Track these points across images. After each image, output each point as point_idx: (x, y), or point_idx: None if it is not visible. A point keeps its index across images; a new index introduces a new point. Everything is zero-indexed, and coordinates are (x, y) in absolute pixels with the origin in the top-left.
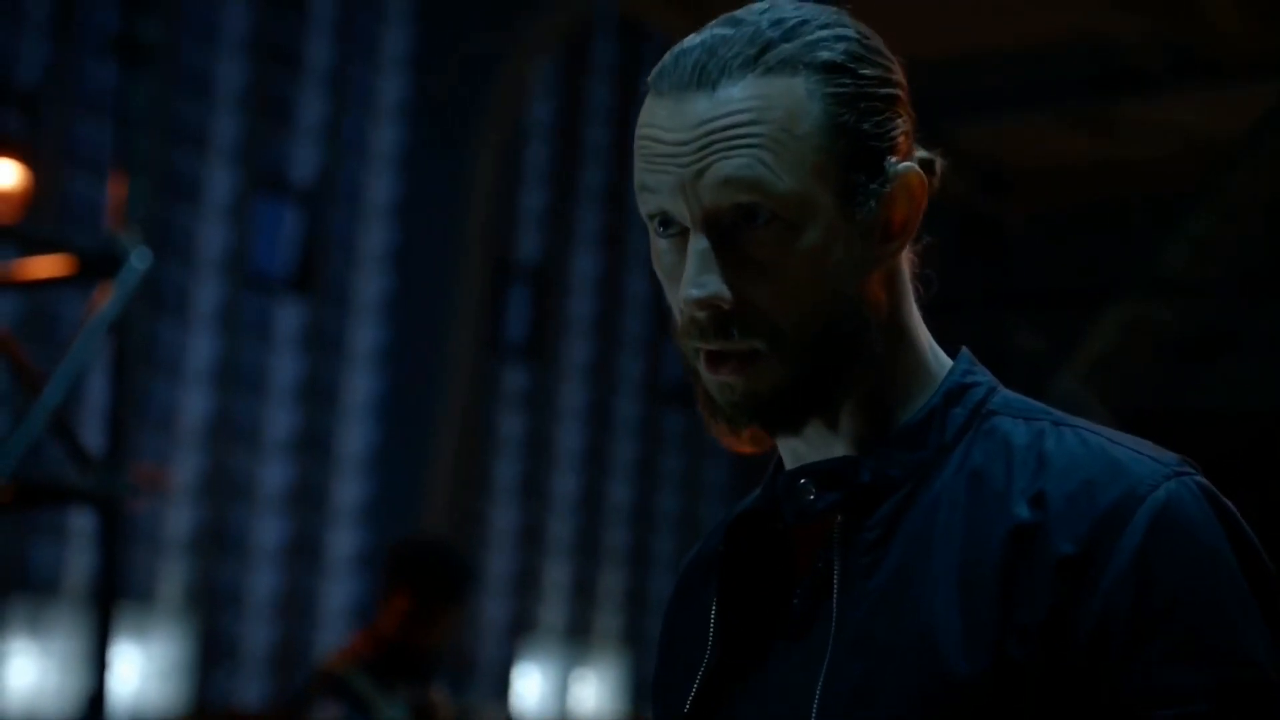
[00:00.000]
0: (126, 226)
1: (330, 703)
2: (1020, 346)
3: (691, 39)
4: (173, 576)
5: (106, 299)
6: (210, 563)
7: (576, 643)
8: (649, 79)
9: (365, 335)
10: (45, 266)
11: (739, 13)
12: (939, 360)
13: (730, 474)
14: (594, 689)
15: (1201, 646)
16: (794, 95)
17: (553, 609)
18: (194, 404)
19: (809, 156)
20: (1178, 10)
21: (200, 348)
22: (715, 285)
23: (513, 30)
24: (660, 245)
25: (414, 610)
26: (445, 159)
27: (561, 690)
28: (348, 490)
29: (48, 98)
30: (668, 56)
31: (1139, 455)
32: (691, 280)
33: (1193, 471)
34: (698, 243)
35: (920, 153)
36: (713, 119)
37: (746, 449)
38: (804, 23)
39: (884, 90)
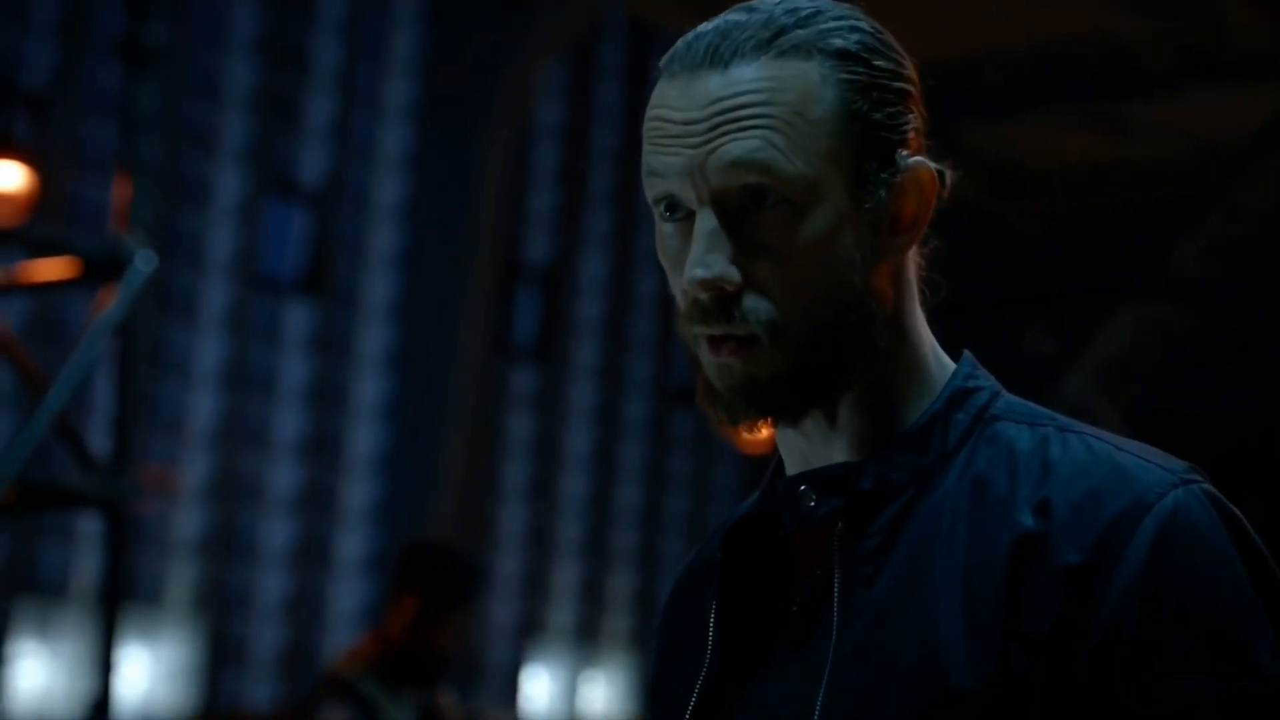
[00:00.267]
0: (131, 229)
1: (337, 706)
2: (1030, 347)
3: (704, 25)
4: (182, 578)
5: (111, 301)
6: (219, 564)
7: (585, 644)
8: (660, 64)
9: (374, 337)
10: (50, 269)
11: (752, 2)
12: (941, 363)
13: (739, 475)
14: (603, 691)
15: (1209, 658)
16: (808, 79)
17: (561, 611)
18: (203, 406)
19: (821, 141)
20: (1189, 11)
21: (209, 349)
22: (721, 266)
23: (521, 31)
24: (666, 230)
25: (422, 614)
26: (454, 160)
27: (570, 692)
28: (357, 492)
29: (55, 99)
30: (680, 42)
31: (1146, 462)
32: (698, 260)
33: (1200, 479)
34: (705, 223)
35: (932, 165)
36: (724, 98)
37: (750, 444)
38: (818, 12)
39: (896, 84)
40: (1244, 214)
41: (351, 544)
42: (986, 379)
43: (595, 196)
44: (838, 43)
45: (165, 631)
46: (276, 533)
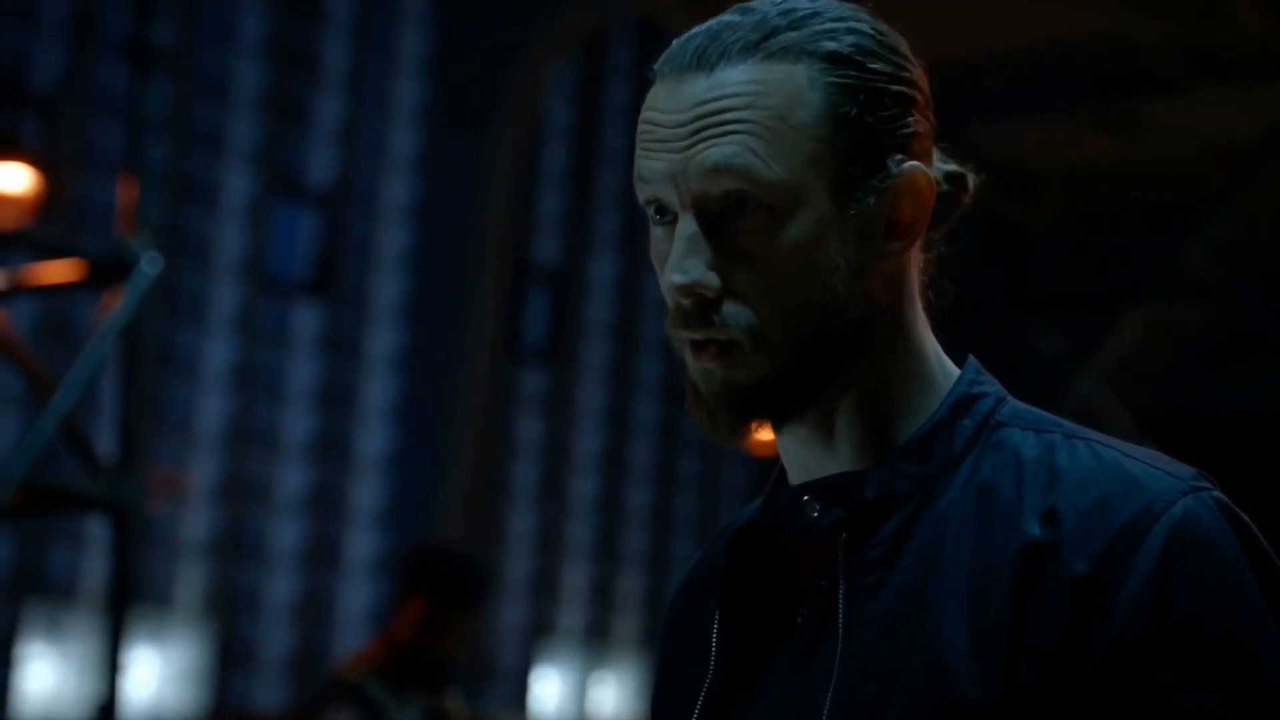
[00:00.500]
0: (137, 231)
1: (343, 708)
2: (1041, 348)
3: (699, 27)
4: (191, 580)
5: (117, 304)
6: (228, 566)
7: (595, 646)
8: (654, 66)
9: (383, 338)
10: (56, 271)
11: (751, 4)
12: (945, 369)
13: (749, 477)
14: (613, 692)
15: (1219, 668)
16: (794, 83)
17: (571, 612)
18: (211, 408)
19: (804, 146)
20: (1198, 11)
21: (218, 351)
22: (699, 271)
23: (530, 32)
24: (656, 232)
25: (429, 617)
26: (463, 161)
27: (580, 693)
28: (366, 493)
29: (64, 101)
30: (674, 43)
31: (1154, 470)
32: (676, 265)
33: (1210, 486)
34: (685, 228)
35: (950, 165)
36: (707, 101)
37: (759, 445)
38: (815, 14)
39: (894, 87)
40: (1254, 215)
41: (360, 545)
42: (991, 384)
43: (604, 197)
44: (829, 45)
45: (174, 633)
46: (285, 534)
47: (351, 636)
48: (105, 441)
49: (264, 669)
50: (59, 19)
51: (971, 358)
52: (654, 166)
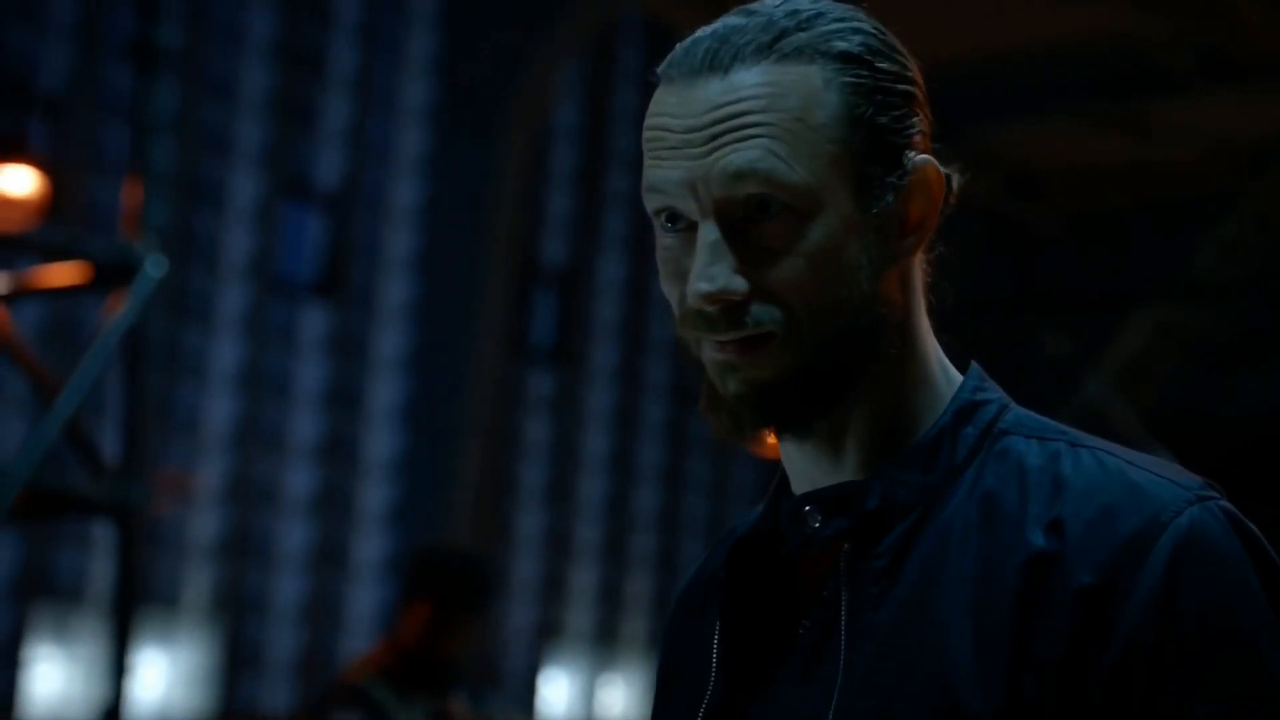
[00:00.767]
0: (142, 233)
1: (349, 711)
2: (1049, 350)
3: (703, 30)
4: (198, 582)
5: (121, 306)
6: (236, 568)
7: (603, 648)
8: (659, 70)
9: (390, 340)
10: (62, 274)
11: (752, 5)
12: (948, 375)
13: (758, 478)
14: (621, 694)
15: (1227, 682)
16: (809, 84)
17: (579, 614)
18: (219, 409)
19: (824, 147)
20: (1207, 11)
21: (225, 353)
22: (725, 278)
23: (538, 33)
24: (665, 240)
25: (434, 619)
26: (471, 162)
27: (588, 695)
28: (374, 495)
29: (71, 103)
30: (678, 47)
31: (1160, 479)
32: (701, 273)
33: (1216, 495)
34: (708, 235)
35: (941, 168)
36: (724, 104)
37: (768, 447)
38: (819, 15)
39: (901, 86)
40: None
41: (368, 547)
42: (995, 391)
43: (613, 198)
44: (840, 45)
45: (182, 635)
46: (293, 536)
47: (359, 638)
48: (112, 444)
49: (272, 671)
50: (66, 21)
51: (974, 364)
52: (668, 175)
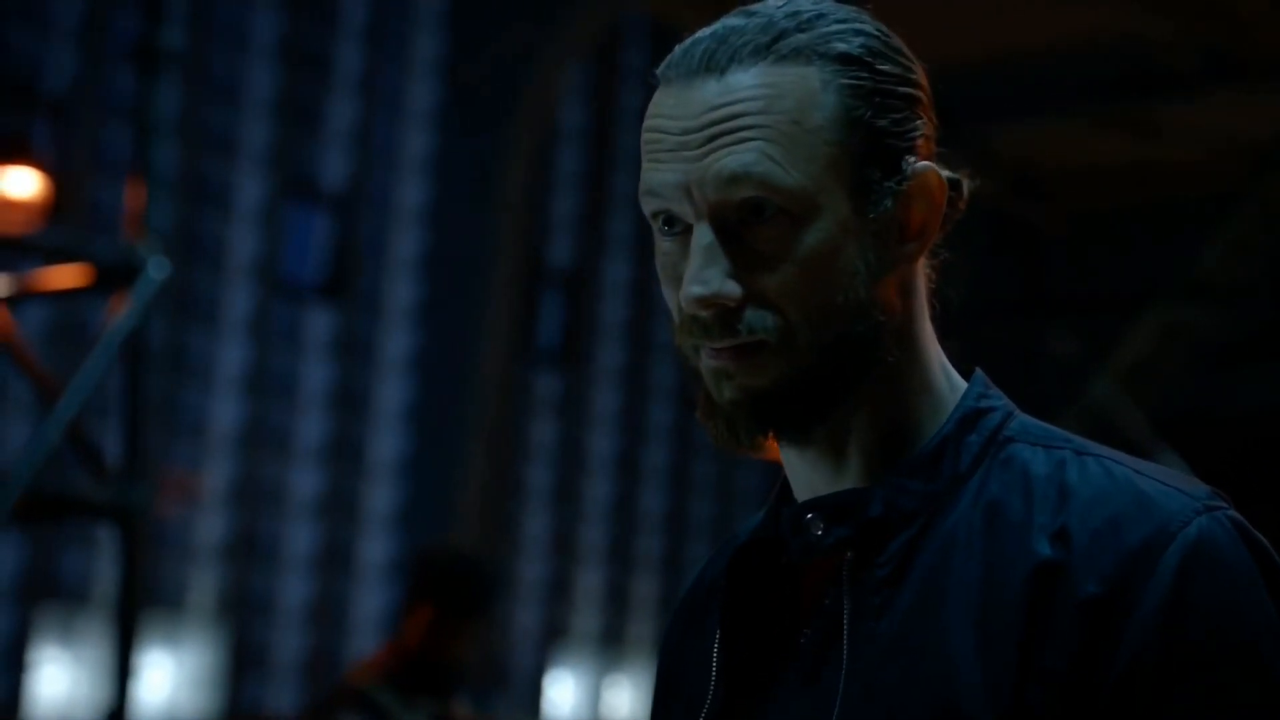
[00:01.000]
0: (145, 235)
1: (352, 715)
2: (1055, 351)
3: (702, 31)
4: (204, 584)
5: (124, 308)
6: (241, 570)
7: (609, 650)
8: (657, 71)
9: (396, 341)
10: (65, 276)
11: (753, 6)
12: (951, 381)
13: (764, 480)
14: (627, 696)
15: (1236, 693)
16: (807, 85)
17: (585, 616)
18: (225, 411)
19: (820, 150)
20: (1213, 12)
21: (230, 354)
22: (719, 282)
23: (543, 34)
24: (664, 245)
25: (437, 622)
26: (476, 164)
27: (594, 697)
28: (379, 497)
29: (75, 105)
30: (676, 48)
31: (1168, 488)
32: (694, 276)
33: (1225, 505)
34: (702, 238)
35: (946, 172)
36: (720, 106)
37: (775, 449)
38: (820, 16)
39: (902, 89)
40: (1270, 215)
41: (374, 549)
42: (999, 398)
43: (618, 199)
44: (840, 47)
45: (188, 637)
46: (299, 538)
47: (365, 640)
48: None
49: (277, 673)
50: (70, 23)
51: (978, 370)
52: (664, 178)
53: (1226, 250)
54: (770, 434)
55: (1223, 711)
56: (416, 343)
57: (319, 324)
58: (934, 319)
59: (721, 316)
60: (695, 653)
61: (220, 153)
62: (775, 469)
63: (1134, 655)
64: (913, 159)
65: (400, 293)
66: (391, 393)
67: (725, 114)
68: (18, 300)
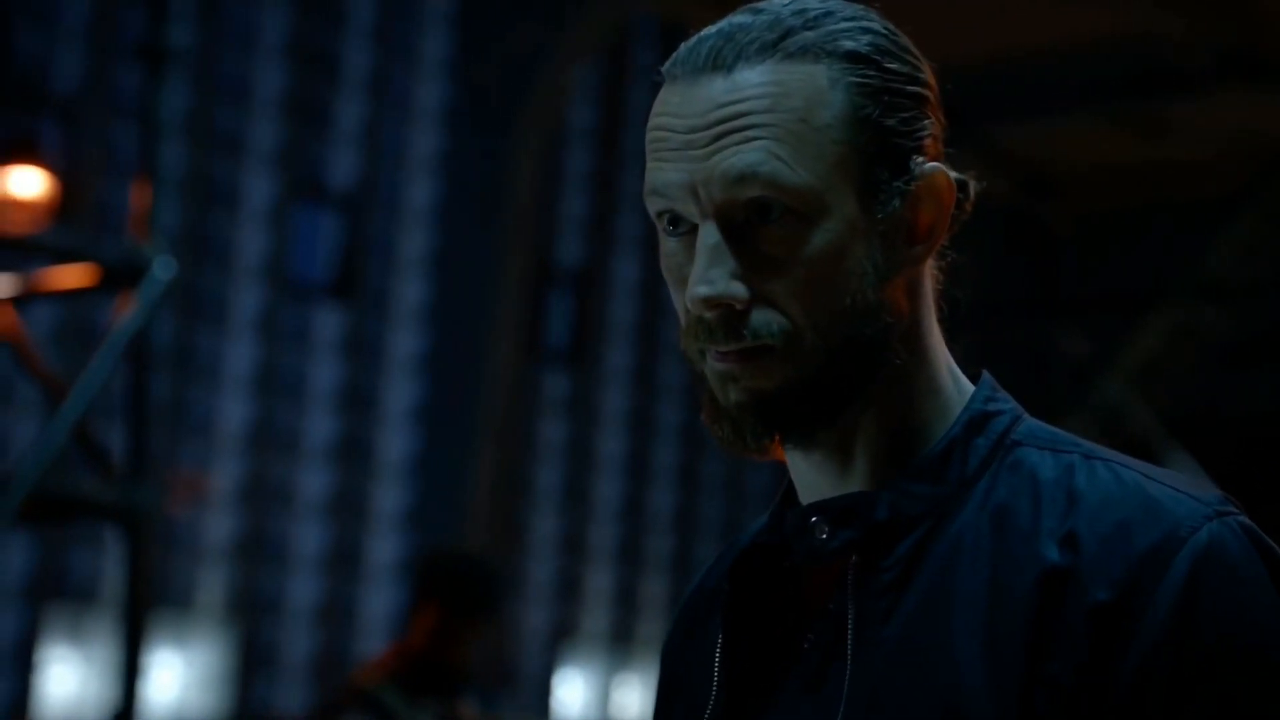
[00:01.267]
0: (151, 235)
1: (357, 716)
2: (1066, 350)
3: (708, 28)
4: (213, 584)
5: (130, 309)
6: (250, 570)
7: (619, 649)
8: (663, 69)
9: (405, 341)
10: (71, 276)
11: (760, 4)
12: (959, 384)
13: (773, 480)
14: (637, 695)
15: (1247, 701)
16: (815, 83)
17: (595, 615)
18: (233, 411)
19: (828, 149)
20: (1224, 11)
21: (239, 354)
22: (725, 283)
23: (553, 33)
24: (669, 245)
25: (443, 624)
26: (485, 163)
27: (604, 697)
28: (388, 497)
29: (84, 105)
30: (682, 46)
31: (1178, 493)
32: (700, 276)
33: (1235, 510)
34: (708, 237)
35: (954, 173)
36: (727, 104)
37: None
38: (828, 13)
39: (911, 88)
40: None
41: (383, 549)
42: (1007, 401)
43: (628, 199)
44: (848, 45)
45: (197, 637)
46: (308, 538)
47: (374, 640)
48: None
49: (286, 672)
50: (78, 22)
51: (986, 373)
52: (670, 178)
53: (1237, 250)
54: (776, 437)
55: (1234, 718)
56: (425, 342)
57: (328, 324)
58: (942, 320)
59: (727, 319)
60: (697, 656)
61: (229, 153)
62: (785, 469)
63: (1143, 662)
64: (921, 159)
65: (409, 292)
66: (400, 392)
67: (732, 112)
68: (24, 300)
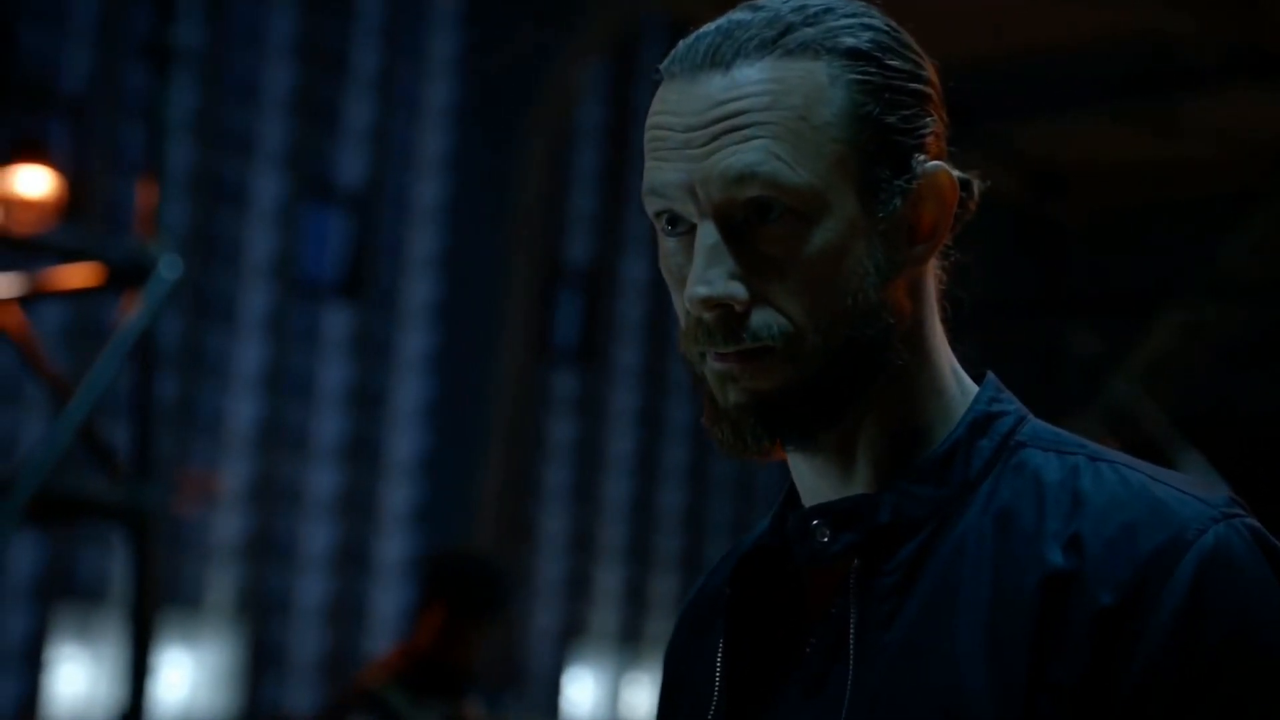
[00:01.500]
0: (157, 234)
1: (363, 716)
2: (1075, 349)
3: (707, 25)
4: (222, 583)
5: (135, 308)
6: (259, 569)
7: (628, 648)
8: (661, 67)
9: (414, 340)
10: (77, 276)
11: (760, 0)
12: (962, 385)
13: (782, 479)
14: (646, 694)
15: (1253, 706)
16: (814, 81)
17: (604, 614)
18: (243, 410)
19: (828, 147)
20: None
21: (248, 354)
22: (723, 283)
23: (562, 32)
24: (668, 245)
25: (449, 624)
26: (493, 162)
27: (613, 695)
28: (397, 496)
29: (92, 104)
30: (681, 43)
31: (1184, 495)
32: (699, 277)
33: (1242, 512)
34: (707, 237)
35: (957, 172)
36: (726, 101)
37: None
38: (828, 10)
39: (912, 85)
40: None
41: (391, 548)
42: (1011, 402)
43: (636, 198)
44: (848, 41)
45: (206, 636)
46: (316, 537)
47: (383, 639)
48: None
49: (295, 672)
50: (86, 22)
51: (990, 374)
52: (668, 177)
53: (1248, 248)
54: (777, 439)
55: None
56: (434, 342)
57: (336, 323)
58: (945, 320)
59: (726, 320)
60: (700, 658)
61: (237, 152)
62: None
63: (1149, 666)
64: (922, 157)
65: (418, 292)
66: (409, 392)
67: (730, 110)
68: (31, 299)
